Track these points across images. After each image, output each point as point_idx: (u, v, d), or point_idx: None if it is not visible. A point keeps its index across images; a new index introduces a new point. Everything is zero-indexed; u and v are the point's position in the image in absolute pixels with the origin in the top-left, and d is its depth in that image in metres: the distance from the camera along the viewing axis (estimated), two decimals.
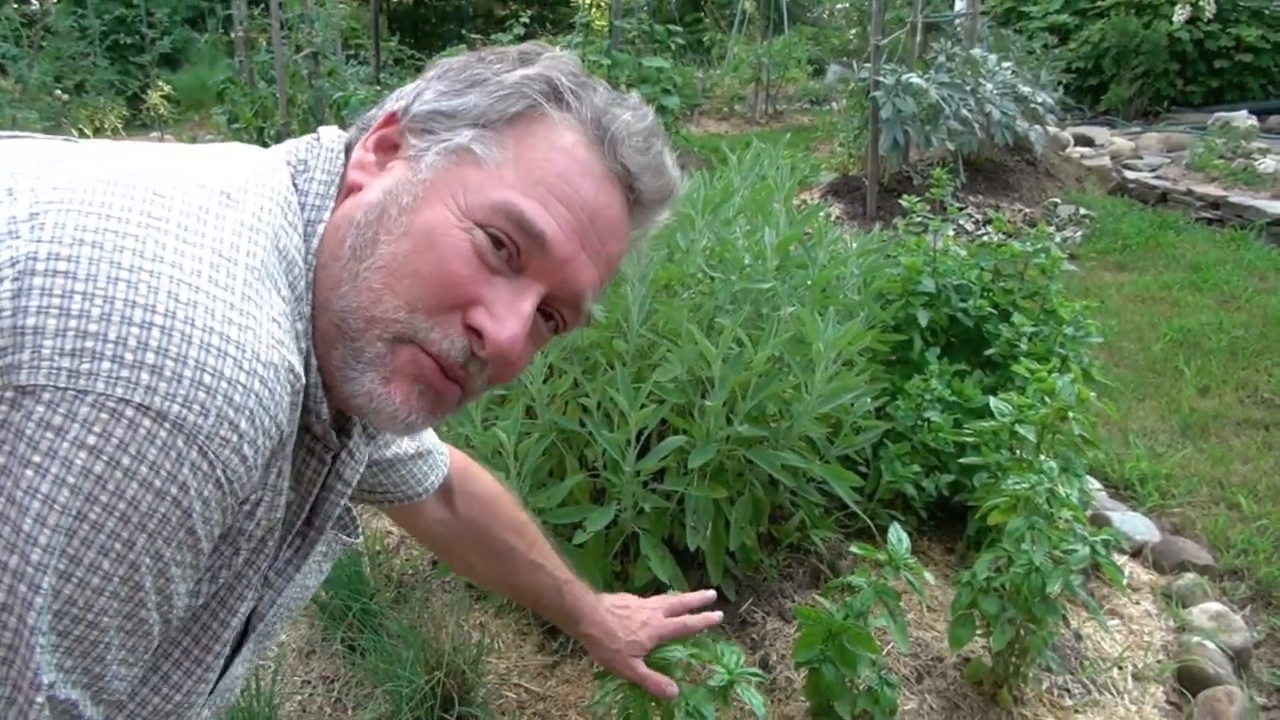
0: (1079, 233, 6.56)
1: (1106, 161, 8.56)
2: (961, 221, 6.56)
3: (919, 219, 3.29)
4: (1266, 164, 7.91)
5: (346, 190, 0.92)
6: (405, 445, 1.32)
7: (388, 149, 0.94)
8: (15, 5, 8.90)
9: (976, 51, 7.09)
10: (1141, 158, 8.65)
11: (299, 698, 2.29)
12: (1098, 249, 6.33)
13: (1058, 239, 6.43)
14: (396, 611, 2.45)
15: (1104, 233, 6.58)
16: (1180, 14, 11.53)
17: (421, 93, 0.95)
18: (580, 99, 0.93)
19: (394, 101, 0.98)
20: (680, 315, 2.20)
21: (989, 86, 6.72)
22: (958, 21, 7.95)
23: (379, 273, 0.85)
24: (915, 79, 6.18)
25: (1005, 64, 7.25)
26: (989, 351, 2.86)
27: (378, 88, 8.61)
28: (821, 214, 2.57)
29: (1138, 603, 2.67)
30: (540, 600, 1.58)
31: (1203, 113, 11.56)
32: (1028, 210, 6.87)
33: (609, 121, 0.93)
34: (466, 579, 2.53)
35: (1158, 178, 7.79)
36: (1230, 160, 7.82)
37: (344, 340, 0.86)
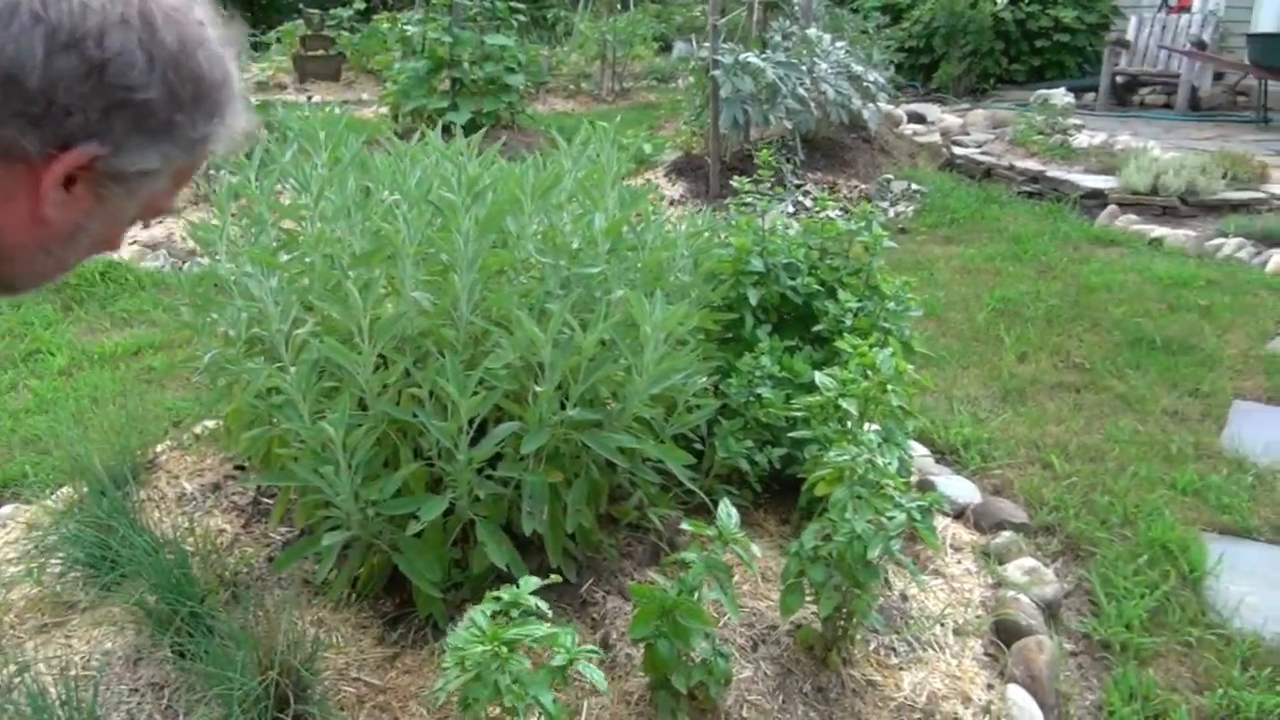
0: (911, 208, 6.82)
1: (937, 138, 8.91)
2: (800, 198, 6.73)
3: (749, 199, 3.36)
4: (1081, 139, 8.39)
5: None
6: None
7: None
8: None
9: (812, 31, 7.27)
10: (969, 134, 9.04)
11: (126, 707, 2.22)
12: (928, 223, 6.59)
13: (890, 214, 6.67)
14: (230, 613, 2.38)
15: (934, 207, 6.86)
16: None
17: None
18: None
19: None
20: (510, 301, 2.20)
21: (824, 66, 6.90)
22: (795, 1, 8.12)
23: None
24: (753, 58, 6.30)
25: (840, 43, 7.45)
26: (817, 328, 2.96)
27: None
28: (664, 193, 2.60)
29: (959, 562, 2.82)
30: None
31: (1026, 90, 12.15)
32: (864, 186, 7.10)
33: None
34: (304, 576, 2.49)
35: (983, 153, 8.16)
36: (1049, 136, 8.25)
37: None
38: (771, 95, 6.52)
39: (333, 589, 2.36)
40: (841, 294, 2.94)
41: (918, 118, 9.85)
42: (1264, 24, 11.19)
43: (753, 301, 2.88)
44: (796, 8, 8.22)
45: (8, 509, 3.30)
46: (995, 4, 12.05)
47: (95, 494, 2.86)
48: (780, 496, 2.94)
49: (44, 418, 4.07)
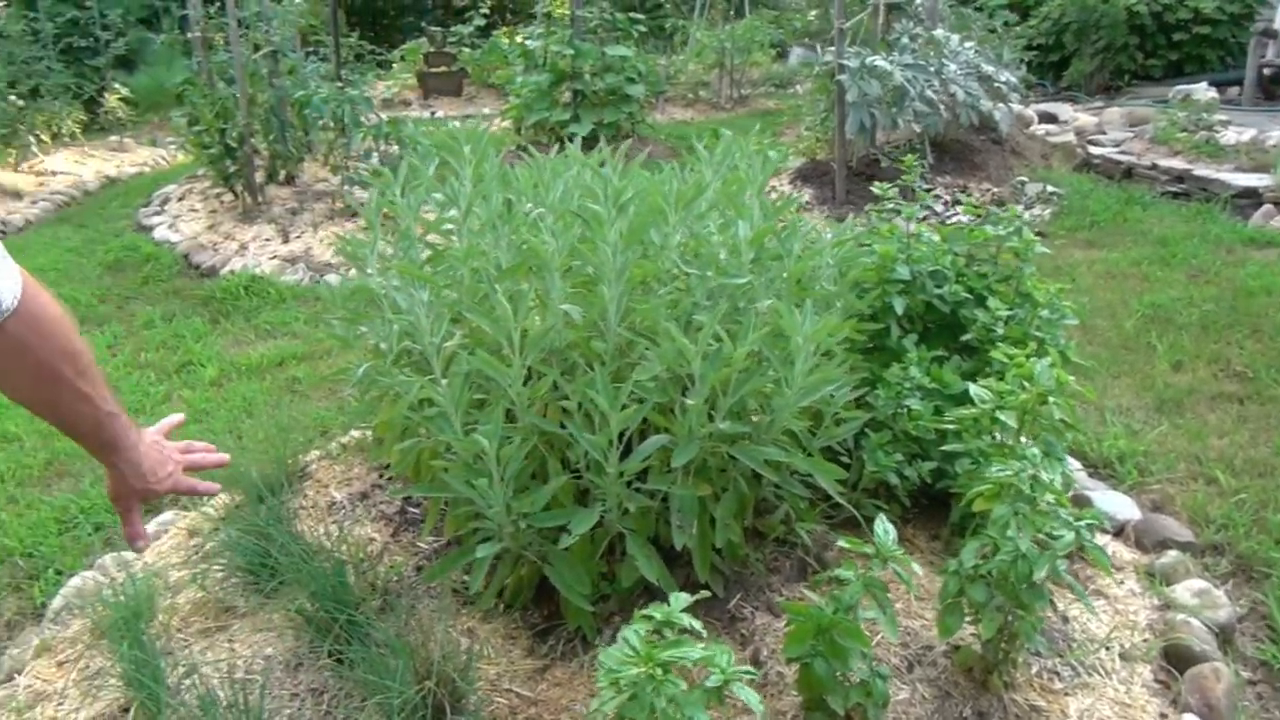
0: (1047, 210, 6.59)
1: (1071, 138, 8.61)
2: (930, 203, 6.57)
3: (890, 205, 3.29)
4: (1228, 136, 7.98)
5: None
6: None
7: None
8: None
9: (939, 32, 7.10)
10: (1105, 133, 8.70)
11: (288, 711, 2.27)
12: (1066, 226, 6.36)
13: (1026, 217, 6.45)
14: (382, 621, 2.43)
15: (1072, 210, 6.61)
16: None
17: None
18: None
19: None
20: (658, 313, 2.18)
21: (952, 67, 6.73)
22: (919, 2, 7.96)
23: None
24: (880, 61, 6.19)
25: (968, 43, 7.26)
26: (966, 337, 2.87)
27: (339, 85, 8.52)
28: (793, 203, 2.55)
29: (1122, 583, 2.69)
30: (79, 429, 1.50)
31: (1163, 86, 11.65)
32: (995, 189, 6.90)
33: None
34: (452, 585, 2.52)
35: (1122, 153, 7.84)
36: (1193, 133, 7.88)
37: None
38: (899, 98, 6.40)
39: (482, 599, 2.38)
40: (992, 302, 2.84)
41: (1049, 117, 9.54)
42: None
43: (899, 310, 2.81)
44: (920, 8, 8.06)
45: (168, 515, 3.44)
46: None
47: (253, 502, 2.95)
48: (929, 511, 2.85)
49: (198, 427, 4.23)
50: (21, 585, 3.24)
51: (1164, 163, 7.29)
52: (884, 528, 2.05)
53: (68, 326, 1.40)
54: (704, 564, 2.31)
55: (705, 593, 1.93)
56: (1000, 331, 2.79)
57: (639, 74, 8.74)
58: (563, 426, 2.20)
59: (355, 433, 3.59)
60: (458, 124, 10.39)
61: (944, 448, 2.56)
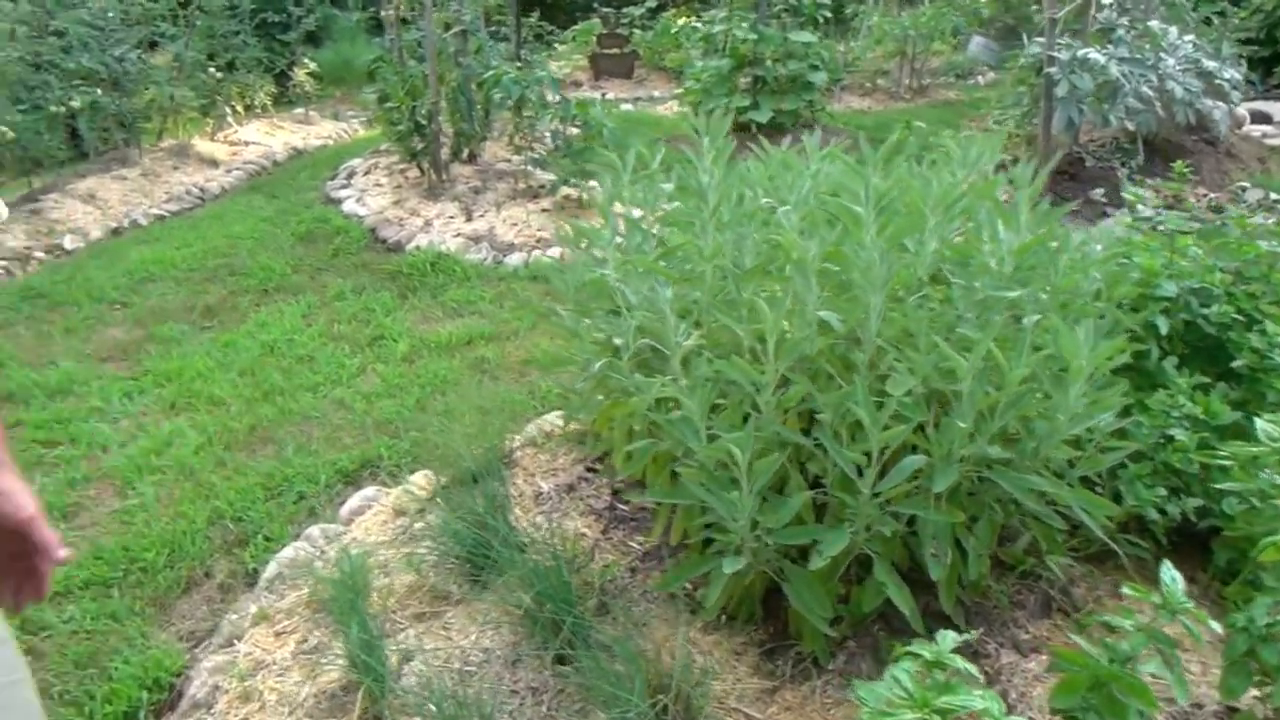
0: (1270, 219, 6.10)
1: None
2: (1140, 207, 6.17)
3: (1147, 211, 3.04)
4: None
5: None
6: None
7: None
8: None
9: (1154, 23, 6.66)
10: None
11: (508, 708, 2.23)
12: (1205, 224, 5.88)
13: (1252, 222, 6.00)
14: (602, 623, 2.37)
15: None
16: None
17: None
18: None
19: None
20: (919, 324, 2.04)
21: (1170, 61, 6.30)
22: None
23: None
24: (1093, 54, 5.82)
25: (1186, 37, 6.79)
26: (1236, 363, 2.62)
27: (518, 64, 8.57)
28: (1060, 212, 2.36)
29: None
30: None
31: None
32: (1211, 194, 6.43)
33: None
34: (671, 591, 2.44)
35: None
36: None
37: None
38: (1111, 94, 6.02)
39: (708, 610, 2.28)
40: (1269, 326, 2.58)
41: (1263, 117, 8.87)
42: None
43: (1162, 330, 2.58)
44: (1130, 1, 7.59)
45: (370, 490, 3.48)
46: None
47: (465, 485, 2.94)
48: (1183, 550, 2.62)
49: (391, 402, 4.29)
50: (233, 550, 3.33)
51: None
52: (1171, 575, 1.86)
53: None
54: (950, 595, 2.16)
55: (968, 633, 1.79)
56: (1278, 359, 2.54)
57: (822, 61, 8.51)
58: (815, 441, 2.08)
59: (556, 420, 3.56)
60: (629, 106, 10.45)
61: (1221, 485, 2.33)
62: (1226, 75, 6.69)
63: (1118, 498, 2.47)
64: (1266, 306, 2.72)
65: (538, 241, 6.32)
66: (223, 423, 4.17)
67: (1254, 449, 2.20)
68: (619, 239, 2.61)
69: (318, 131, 10.53)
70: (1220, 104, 6.78)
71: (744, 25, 8.31)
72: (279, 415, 4.23)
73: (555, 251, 6.09)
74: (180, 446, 3.96)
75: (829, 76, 9.01)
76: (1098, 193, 6.41)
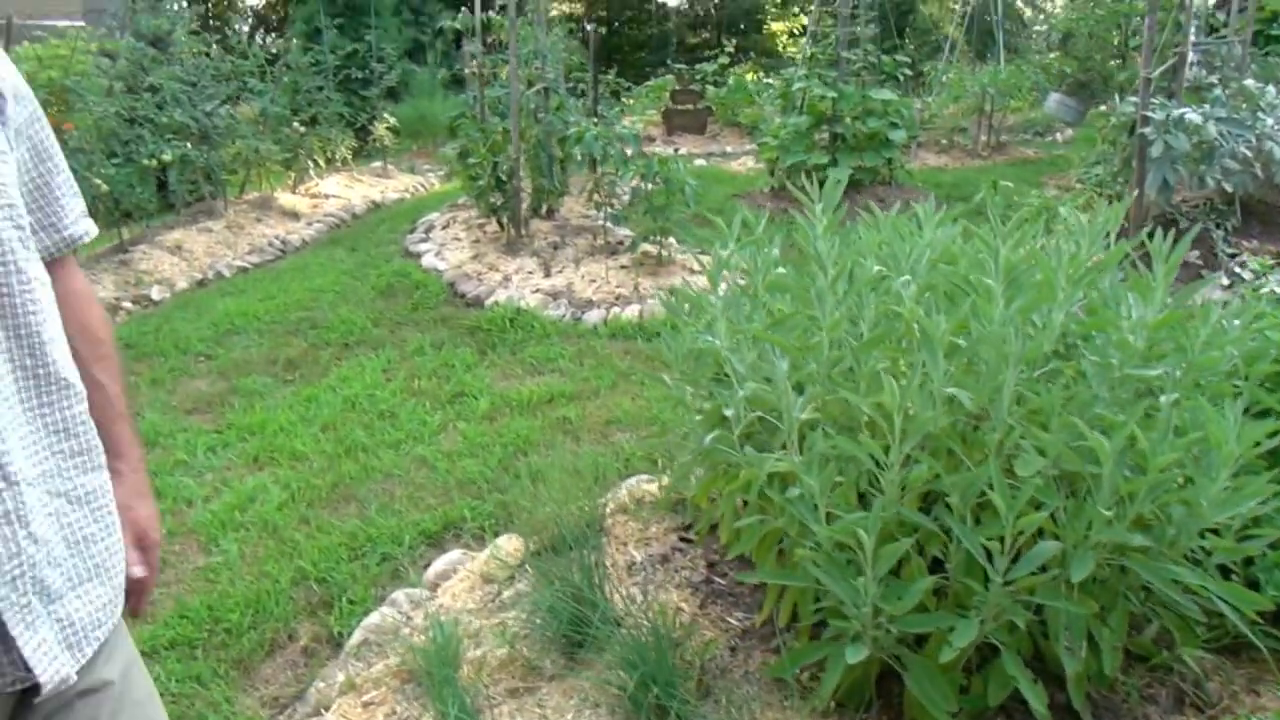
0: None
1: None
2: (1237, 269, 5.99)
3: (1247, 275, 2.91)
4: None
5: None
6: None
7: None
8: (260, 43, 9.44)
9: (1250, 82, 6.50)
10: None
11: None
12: None
13: None
14: (704, 706, 2.27)
15: None
16: None
17: None
18: None
19: None
20: (1055, 403, 1.94)
21: (1269, 121, 6.12)
22: (1220, 51, 7.33)
23: None
24: (1190, 114, 5.68)
25: None
26: None
27: (595, 120, 8.63)
28: (1202, 285, 2.25)
29: None
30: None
31: None
32: None
33: None
34: (777, 676, 2.33)
35: None
36: None
37: None
38: (1208, 155, 5.86)
39: (820, 697, 2.18)
40: None
41: None
42: None
43: None
44: (1220, 58, 7.42)
45: (455, 554, 3.42)
46: None
47: (560, 553, 2.87)
48: None
49: (474, 461, 4.26)
50: (317, 611, 3.29)
51: None
52: None
53: (98, 312, 1.43)
54: (1080, 690, 2.03)
55: None
56: None
57: (901, 118, 8.45)
58: (940, 524, 1.98)
59: (649, 486, 3.49)
60: (703, 162, 10.45)
61: None
62: None
63: (1254, 586, 2.32)
64: None
65: (616, 298, 6.30)
66: (305, 479, 4.16)
67: None
68: (719, 304, 2.55)
69: (395, 185, 10.70)
70: None
71: (823, 82, 8.29)
72: (361, 472, 4.21)
73: (634, 309, 6.06)
74: (263, 503, 3.95)
75: (907, 134, 8.95)
76: (1193, 255, 6.24)
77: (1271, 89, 6.47)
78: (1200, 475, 1.93)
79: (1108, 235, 2.44)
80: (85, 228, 1.39)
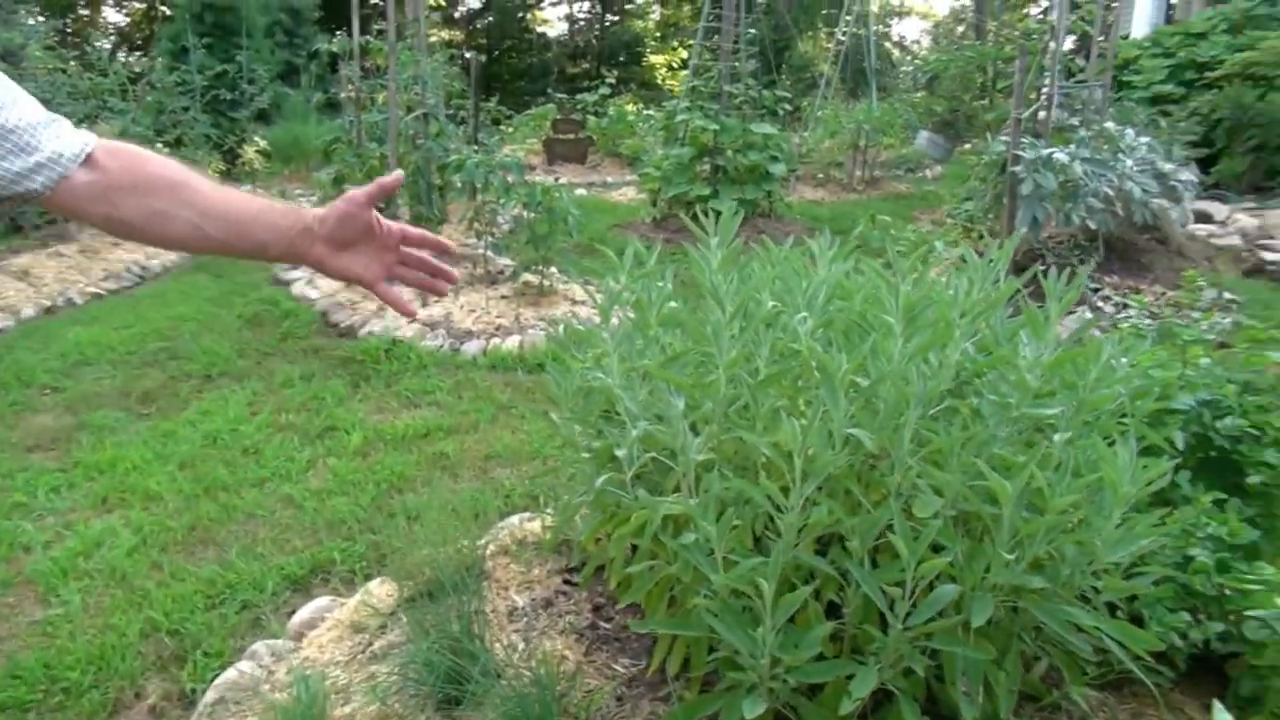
0: (1227, 319, 6.16)
1: (1237, 241, 8.15)
2: (1099, 304, 6.21)
3: (1136, 312, 2.97)
4: None
5: None
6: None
7: None
8: (123, 61, 8.98)
9: (1111, 125, 6.78)
10: (1274, 237, 8.23)
11: None
12: (1251, 338, 5.92)
13: (1204, 325, 6.04)
14: None
15: (1255, 319, 6.17)
16: None
17: None
18: None
19: None
20: (954, 443, 1.90)
21: (1128, 162, 6.39)
22: (1081, 95, 7.65)
23: None
24: (1059, 154, 5.88)
25: (1142, 139, 6.92)
26: (1252, 479, 2.52)
27: (475, 147, 8.49)
28: (1091, 324, 2.26)
29: None
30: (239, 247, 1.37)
31: None
32: (1167, 292, 6.50)
33: None
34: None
35: None
36: None
37: None
38: (1073, 193, 6.07)
39: None
40: None
41: (1204, 216, 9.08)
42: None
43: (1180, 446, 2.48)
44: (1080, 101, 7.75)
45: (323, 600, 3.22)
46: None
47: (435, 598, 2.71)
48: (1199, 675, 2.49)
49: (344, 500, 4.05)
50: (168, 666, 3.05)
51: None
52: (1222, 715, 1.72)
53: (161, 163, 1.33)
54: None
55: None
56: None
57: (781, 152, 8.55)
58: (838, 568, 1.91)
59: (522, 523, 3.35)
60: (584, 191, 10.39)
61: (1254, 612, 2.21)
62: (1182, 177, 6.81)
63: (1138, 620, 2.33)
64: (1276, 420, 2.63)
65: (497, 329, 6.15)
66: (159, 521, 3.88)
67: None
68: (609, 339, 2.45)
69: None
70: (1175, 204, 6.90)
71: (706, 115, 8.34)
72: (221, 513, 3.96)
73: (515, 340, 5.92)
74: (111, 548, 3.66)
75: (786, 167, 9.07)
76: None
77: (1130, 131, 6.76)
78: (1095, 515, 1.91)
79: (996, 273, 2.43)
80: (70, 141, 1.25)
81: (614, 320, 2.46)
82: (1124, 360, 2.22)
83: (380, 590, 3.13)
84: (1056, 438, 2.04)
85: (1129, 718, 2.36)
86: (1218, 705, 1.76)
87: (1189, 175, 7.01)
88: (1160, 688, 2.39)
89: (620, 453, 2.15)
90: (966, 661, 1.91)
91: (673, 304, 2.51)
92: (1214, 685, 2.48)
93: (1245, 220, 8.96)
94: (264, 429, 4.81)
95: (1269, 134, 11.07)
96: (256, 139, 10.78)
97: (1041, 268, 2.27)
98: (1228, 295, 6.54)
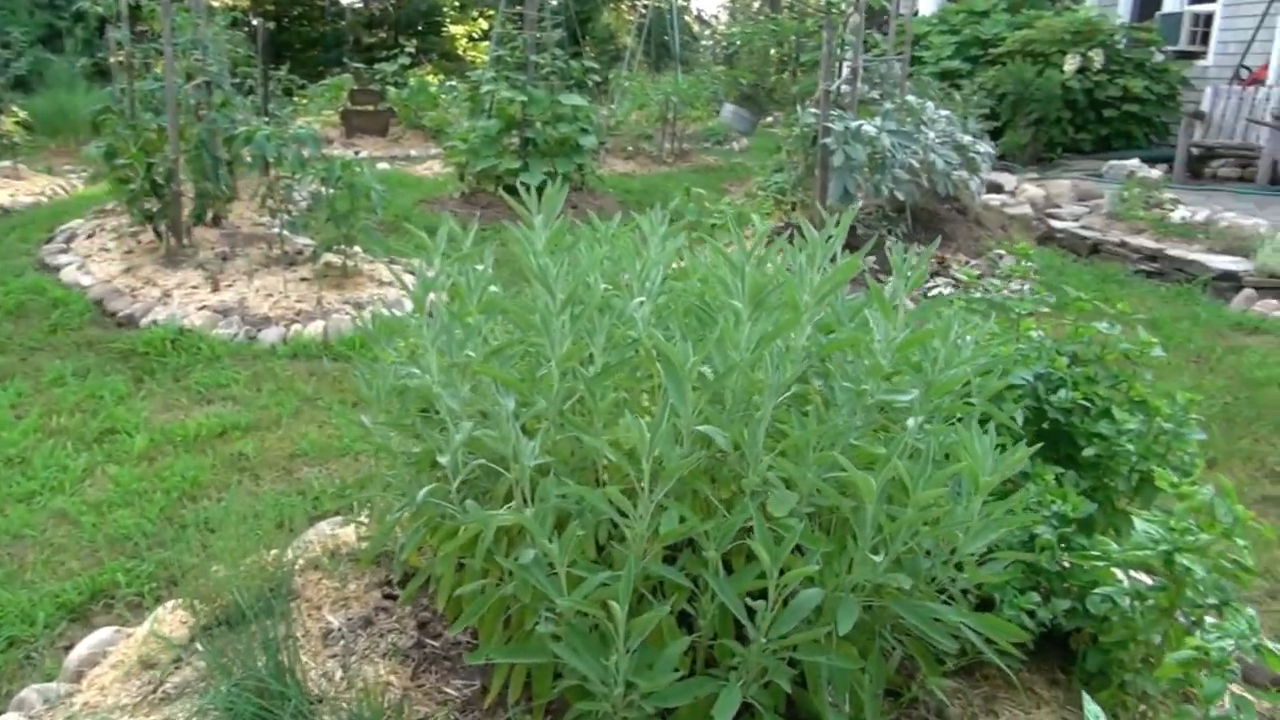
0: (1026, 286, 6.40)
1: (1027, 210, 8.54)
2: (909, 274, 6.31)
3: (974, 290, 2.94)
4: (1177, 214, 7.99)
5: None
6: None
7: None
8: None
9: (912, 98, 6.91)
10: (1060, 206, 8.66)
11: None
12: (1049, 304, 6.16)
13: (1005, 291, 6.25)
14: None
15: (1049, 286, 6.42)
16: (1071, 64, 11.80)
17: None
18: None
19: None
20: (809, 437, 1.76)
21: (931, 135, 6.53)
22: (879, 69, 7.79)
23: None
24: (867, 126, 5.93)
25: (942, 111, 7.10)
26: (1088, 452, 2.51)
27: (266, 120, 7.95)
28: (942, 303, 2.17)
29: None
30: None
31: (1094, 160, 11.85)
32: (972, 261, 6.70)
33: None
34: None
35: (1084, 228, 7.77)
36: (1148, 210, 7.86)
37: None
38: (881, 165, 6.15)
39: None
40: (1117, 413, 2.50)
41: (995, 187, 9.50)
42: None
43: (1018, 421, 2.44)
44: (879, 75, 7.89)
45: (105, 633, 2.83)
46: (1064, 72, 11.77)
47: (236, 624, 2.40)
48: (1045, 651, 2.47)
49: (128, 513, 3.62)
50: None
51: (1134, 240, 7.22)
52: (1095, 713, 1.66)
53: None
54: None
55: None
56: (1131, 448, 2.45)
57: (591, 124, 8.36)
58: (694, 580, 1.75)
59: (334, 530, 3.06)
60: (386, 165, 9.89)
61: (1103, 589, 2.19)
62: (981, 149, 7.03)
63: (988, 604, 2.29)
64: (1104, 391, 2.65)
65: (297, 314, 5.72)
66: None
67: (1144, 554, 2.07)
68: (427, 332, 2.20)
69: (28, 187, 9.35)
70: (974, 175, 7.12)
71: (512, 86, 8.04)
72: None
73: (318, 325, 5.52)
74: None
75: (597, 140, 8.89)
76: (870, 260, 6.53)
77: (930, 105, 6.92)
78: (955, 505, 1.82)
79: (833, 249, 2.32)
80: None
81: (429, 308, 2.21)
82: (969, 339, 2.15)
83: (172, 617, 2.77)
84: (910, 423, 1.94)
85: (983, 702, 2.32)
86: (1088, 701, 1.71)
87: (986, 147, 7.26)
88: (1011, 668, 2.36)
89: (443, 459, 1.91)
90: (832, 671, 1.78)
91: (493, 289, 2.28)
92: (1061, 660, 2.48)
93: (1033, 190, 9.42)
94: (31, 434, 4.27)
95: (1047, 108, 11.71)
96: (15, 109, 9.73)
97: (890, 243, 2.16)
98: (1025, 264, 6.80)
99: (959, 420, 2.07)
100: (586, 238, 2.42)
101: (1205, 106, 11.24)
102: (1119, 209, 7.94)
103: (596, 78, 8.85)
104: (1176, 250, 6.86)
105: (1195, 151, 11.21)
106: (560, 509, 1.78)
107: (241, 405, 4.65)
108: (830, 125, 5.97)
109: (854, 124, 5.99)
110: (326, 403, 4.67)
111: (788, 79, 12.55)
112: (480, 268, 2.31)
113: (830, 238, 2.25)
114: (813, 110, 6.34)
